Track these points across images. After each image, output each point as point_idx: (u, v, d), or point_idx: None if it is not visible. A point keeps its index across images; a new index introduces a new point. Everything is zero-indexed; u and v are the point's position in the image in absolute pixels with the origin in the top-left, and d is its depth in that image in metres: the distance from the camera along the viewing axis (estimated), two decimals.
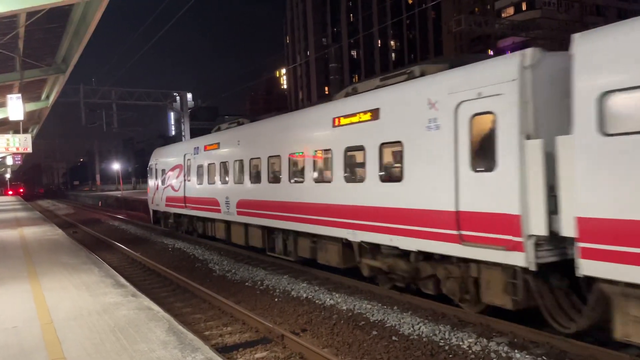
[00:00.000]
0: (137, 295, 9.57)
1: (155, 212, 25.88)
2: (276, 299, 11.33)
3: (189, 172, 20.65)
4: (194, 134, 47.60)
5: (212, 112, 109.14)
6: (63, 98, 34.42)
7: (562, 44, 72.29)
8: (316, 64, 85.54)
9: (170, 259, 17.88)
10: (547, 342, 7.60)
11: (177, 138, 61.61)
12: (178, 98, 39.77)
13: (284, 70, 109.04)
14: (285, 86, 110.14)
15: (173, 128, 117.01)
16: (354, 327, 9.02)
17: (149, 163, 26.27)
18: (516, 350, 7.38)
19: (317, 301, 10.87)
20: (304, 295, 11.44)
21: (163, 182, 23.76)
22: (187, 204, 20.83)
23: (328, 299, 10.89)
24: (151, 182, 26.14)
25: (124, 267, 16.60)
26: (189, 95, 39.89)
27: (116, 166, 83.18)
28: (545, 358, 7.07)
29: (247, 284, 13.06)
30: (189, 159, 20.81)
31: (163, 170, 23.92)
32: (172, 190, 22.34)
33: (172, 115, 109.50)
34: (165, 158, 24.25)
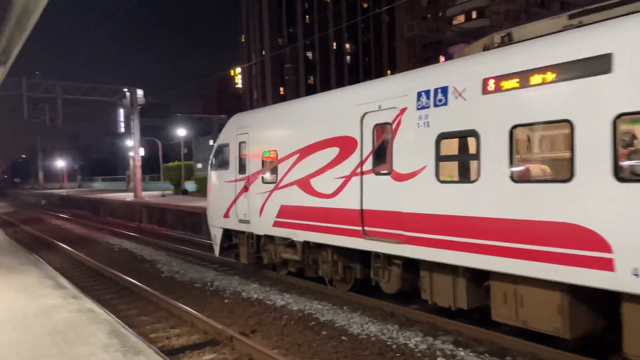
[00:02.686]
0: (78, 297, 9.20)
1: (227, 232, 13.84)
2: (226, 300, 11.17)
3: (395, 151, 8.68)
4: (145, 132, 46.39)
5: (163, 109, 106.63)
6: (4, 91, 32.74)
7: None
8: (271, 64, 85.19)
9: (116, 259, 17.31)
10: (489, 340, 7.83)
11: (126, 136, 59.81)
12: (128, 94, 38.59)
13: (239, 69, 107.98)
14: (240, 85, 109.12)
15: (122, 125, 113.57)
16: (304, 328, 9.00)
17: (219, 142, 14.17)
18: (460, 348, 7.57)
19: (267, 302, 10.80)
20: (255, 296, 11.33)
21: (269, 177, 12.02)
22: (368, 227, 9.18)
23: (279, 300, 10.83)
24: (218, 178, 14.07)
25: (66, 268, 15.93)
26: (140, 92, 38.69)
27: (61, 163, 79.89)
28: (488, 355, 7.29)
29: (196, 285, 12.81)
30: (394, 120, 8.68)
31: (270, 154, 12.02)
32: (305, 195, 10.71)
33: (121, 111, 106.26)
34: (280, 127, 12.08)
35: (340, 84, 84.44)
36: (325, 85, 79.74)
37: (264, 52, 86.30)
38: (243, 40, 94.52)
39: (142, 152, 40.53)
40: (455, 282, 8.15)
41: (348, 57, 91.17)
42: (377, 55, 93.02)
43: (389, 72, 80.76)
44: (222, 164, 13.89)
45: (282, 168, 11.48)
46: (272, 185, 11.74)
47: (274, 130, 12.31)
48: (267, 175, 12.17)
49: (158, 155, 42.51)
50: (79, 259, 17.24)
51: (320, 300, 10.69)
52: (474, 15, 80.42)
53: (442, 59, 72.72)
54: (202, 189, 39.08)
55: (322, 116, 10.70)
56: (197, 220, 23.81)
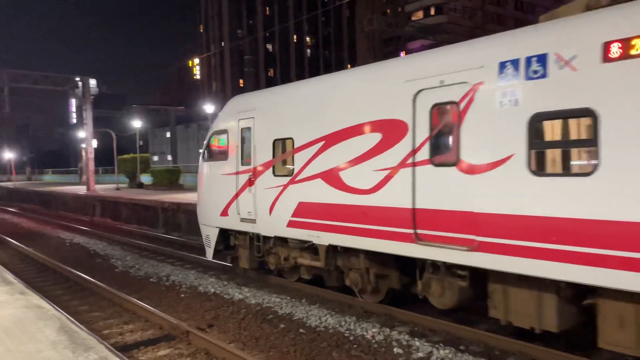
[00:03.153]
0: (25, 293, 8.84)
1: (223, 232, 12.00)
2: (182, 295, 10.98)
3: (464, 137, 7.06)
4: (99, 123, 44.89)
5: (119, 100, 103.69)
6: None
7: None
8: (231, 56, 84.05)
9: (68, 254, 16.73)
10: (444, 330, 8.00)
11: (79, 127, 57.83)
12: (80, 84, 37.24)
13: (197, 60, 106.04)
14: (198, 77, 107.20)
15: (74, 116, 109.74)
16: (262, 321, 8.95)
17: (214, 128, 12.26)
18: (416, 338, 7.70)
19: (225, 296, 10.68)
20: (212, 290, 11.19)
21: (282, 169, 10.33)
22: (423, 230, 7.54)
23: (237, 294, 10.73)
24: (213, 171, 12.13)
25: (13, 263, 15.29)
26: (92, 81, 37.35)
27: (8, 155, 76.54)
28: (442, 345, 7.44)
29: (151, 279, 12.54)
30: (463, 98, 7.07)
31: (284, 142, 10.26)
32: (332, 190, 9.00)
33: (73, 102, 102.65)
34: (299, 110, 9.97)
35: (300, 76, 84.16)
36: (285, 78, 79.39)
37: (223, 43, 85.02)
38: (201, 30, 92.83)
39: (95, 143, 39.27)
40: (541, 299, 6.57)
41: (308, 51, 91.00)
42: (338, 49, 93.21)
43: (349, 65, 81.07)
44: (219, 154, 11.90)
45: (300, 158, 9.52)
46: (287, 179, 9.78)
47: (289, 114, 10.02)
48: (280, 167, 10.25)
49: (112, 147, 41.28)
50: (27, 254, 16.57)
51: (279, 293, 10.65)
52: (432, 11, 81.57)
53: (402, 54, 73.57)
54: (158, 182, 38.26)
55: (357, 96, 8.70)
56: (153, 214, 23.27)
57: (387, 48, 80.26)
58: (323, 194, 9.06)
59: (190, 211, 19.30)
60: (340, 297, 9.93)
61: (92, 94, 37.37)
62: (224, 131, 11.63)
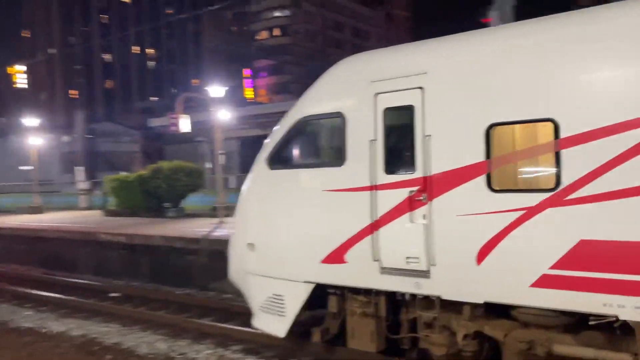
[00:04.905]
0: None
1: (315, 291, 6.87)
2: None
3: None
4: None
5: None
6: None
7: (309, 69, 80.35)
8: (62, 64, 77.05)
9: None
10: (279, 345, 8.16)
11: None
12: None
13: (19, 67, 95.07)
14: (21, 85, 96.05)
15: None
16: (85, 354, 8.25)
17: (308, 106, 7.07)
18: (250, 356, 7.75)
19: (43, 330, 9.64)
20: (27, 325, 10.01)
21: (526, 178, 6.14)
22: None
23: (58, 326, 9.76)
24: (309, 183, 7.03)
25: None
26: None
27: None
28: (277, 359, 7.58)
29: None
30: None
31: (522, 131, 5.89)
32: None
33: None
34: (567, 70, 5.11)
35: (142, 90, 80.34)
36: (126, 90, 75.12)
37: (51, 50, 77.61)
38: (27, 35, 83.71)
39: None
40: None
41: (151, 63, 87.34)
42: (183, 63, 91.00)
43: (195, 81, 79.45)
44: (316, 157, 7.45)
45: (581, 158, 4.97)
46: (537, 197, 5.20)
47: (541, 74, 5.25)
48: (511, 176, 6.08)
49: None
50: None
51: (109, 322, 9.93)
52: (276, 32, 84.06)
53: (245, 71, 74.27)
54: None
55: None
56: None
57: (232, 65, 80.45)
58: None
59: None
60: (176, 319, 9.59)
61: None
62: (334, 115, 6.69)
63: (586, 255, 4.90)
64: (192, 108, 24.96)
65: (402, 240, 6.03)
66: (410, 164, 6.01)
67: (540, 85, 5.23)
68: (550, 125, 5.15)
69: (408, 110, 6.04)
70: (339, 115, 6.60)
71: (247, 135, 29.55)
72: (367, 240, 6.28)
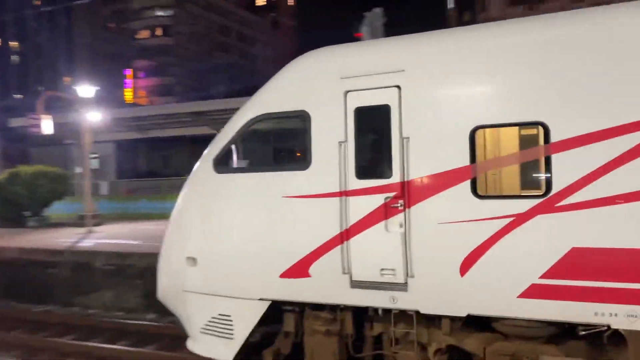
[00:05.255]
0: None
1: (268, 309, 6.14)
2: None
3: None
4: None
5: None
6: None
7: (193, 72, 78.19)
8: None
9: None
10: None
11: None
12: None
13: None
14: None
15: None
16: None
17: (266, 103, 6.21)
18: None
19: None
20: None
21: (512, 183, 6.56)
22: None
23: None
24: (265, 189, 6.13)
25: None
26: None
27: None
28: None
29: None
30: None
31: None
32: None
33: None
34: (564, 70, 4.94)
35: (3, 86, 72.66)
36: None
37: None
38: None
39: None
40: None
41: (14, 57, 79.39)
42: (52, 59, 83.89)
43: (66, 79, 73.60)
44: (275, 160, 6.65)
45: (572, 163, 4.85)
46: (525, 204, 5.00)
47: (532, 76, 5.03)
48: (496, 181, 6.27)
49: None
50: None
51: None
52: (158, 32, 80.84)
53: (125, 71, 70.61)
54: None
55: None
56: None
57: (108, 64, 75.93)
58: None
59: None
60: (30, 339, 8.73)
61: None
62: (296, 114, 6.02)
63: (578, 264, 4.75)
64: (62, 108, 23.09)
65: (376, 251, 5.49)
66: (385, 168, 5.53)
67: (531, 87, 4.96)
68: (540, 128, 4.97)
69: (383, 110, 5.56)
70: (302, 114, 5.90)
71: (124, 139, 27.89)
72: (335, 251, 5.66)
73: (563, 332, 5.08)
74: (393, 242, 5.38)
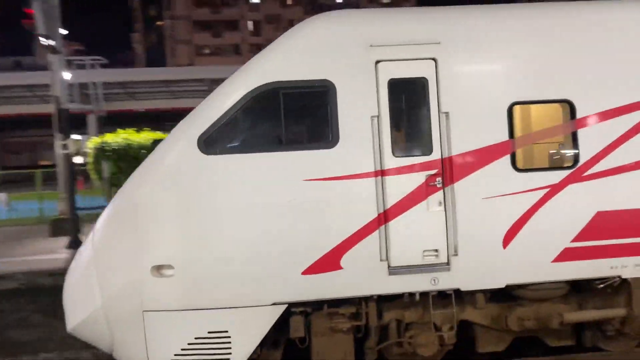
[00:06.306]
0: None
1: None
2: None
3: None
4: None
5: None
6: None
7: None
8: None
9: None
10: None
11: None
12: None
13: None
14: None
15: None
16: None
17: (275, 70, 5.34)
18: None
19: None
20: None
21: (557, 154, 6.32)
22: None
23: None
24: (278, 173, 5.28)
25: None
26: None
27: None
28: None
29: None
30: None
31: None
32: None
33: None
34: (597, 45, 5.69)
35: None
36: None
37: None
38: None
39: None
40: None
41: None
42: None
43: None
44: (292, 137, 5.67)
45: (595, 136, 5.44)
46: (559, 175, 5.44)
47: (562, 55, 5.48)
48: (533, 155, 6.56)
49: None
50: None
51: None
52: None
53: None
54: None
55: None
56: None
57: None
58: None
59: None
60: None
61: None
62: (317, 84, 5.32)
63: (601, 226, 5.42)
64: None
65: (417, 233, 5.29)
66: (425, 145, 5.37)
67: (561, 67, 5.46)
68: (567, 105, 5.45)
69: (419, 83, 5.36)
70: (325, 83, 5.27)
71: None
72: (372, 237, 5.23)
73: (573, 290, 5.68)
74: (436, 221, 5.29)
